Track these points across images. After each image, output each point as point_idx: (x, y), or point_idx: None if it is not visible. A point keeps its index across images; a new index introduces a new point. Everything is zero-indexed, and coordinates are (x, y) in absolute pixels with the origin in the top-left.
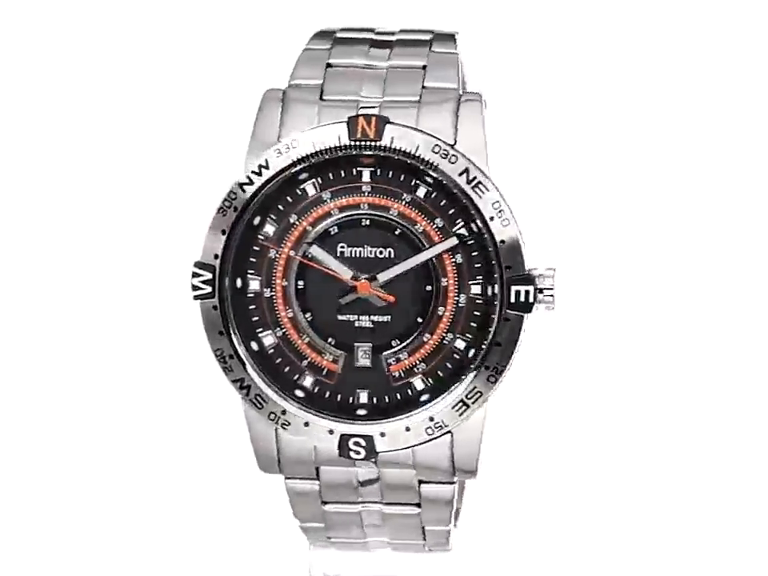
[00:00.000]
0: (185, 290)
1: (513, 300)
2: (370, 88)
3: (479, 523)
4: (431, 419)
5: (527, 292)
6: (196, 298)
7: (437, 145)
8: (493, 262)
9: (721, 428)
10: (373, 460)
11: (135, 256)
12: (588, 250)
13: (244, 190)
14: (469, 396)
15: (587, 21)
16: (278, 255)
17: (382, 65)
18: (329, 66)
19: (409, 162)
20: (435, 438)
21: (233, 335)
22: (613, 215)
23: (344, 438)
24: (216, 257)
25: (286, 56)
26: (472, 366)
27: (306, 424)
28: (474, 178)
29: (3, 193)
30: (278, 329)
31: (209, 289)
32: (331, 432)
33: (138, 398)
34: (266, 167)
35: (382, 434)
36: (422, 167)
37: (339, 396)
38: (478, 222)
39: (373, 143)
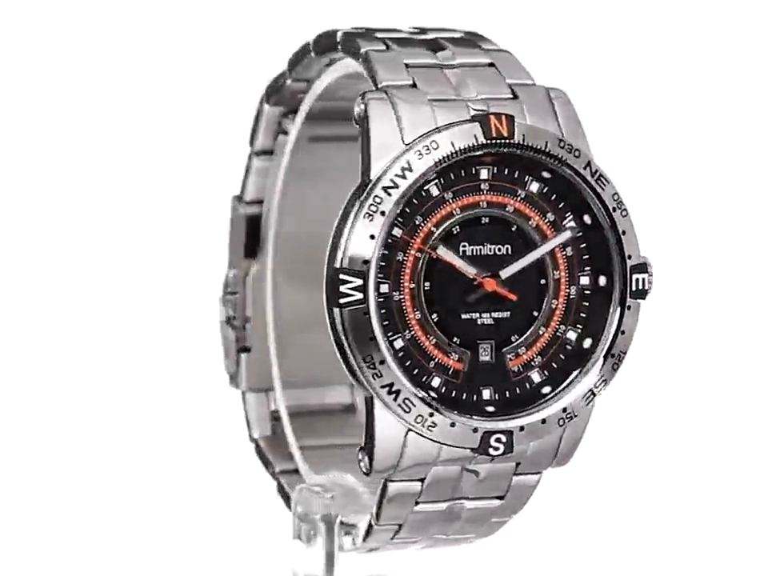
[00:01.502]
0: None
1: (634, 288)
2: (465, 86)
3: None
4: (564, 410)
5: (644, 280)
6: (345, 305)
7: (560, 140)
8: (606, 253)
9: None
10: (509, 455)
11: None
12: None
13: (390, 194)
14: (596, 385)
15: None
16: (405, 258)
17: (454, 63)
18: (407, 66)
19: (533, 157)
20: (564, 428)
21: (381, 340)
22: None
23: (486, 436)
24: (365, 262)
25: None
26: (595, 355)
27: (453, 424)
28: (596, 170)
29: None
30: (407, 331)
31: (360, 295)
32: (475, 430)
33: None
34: (410, 169)
35: (521, 429)
36: (549, 163)
37: (464, 395)
38: (597, 213)
39: (507, 141)
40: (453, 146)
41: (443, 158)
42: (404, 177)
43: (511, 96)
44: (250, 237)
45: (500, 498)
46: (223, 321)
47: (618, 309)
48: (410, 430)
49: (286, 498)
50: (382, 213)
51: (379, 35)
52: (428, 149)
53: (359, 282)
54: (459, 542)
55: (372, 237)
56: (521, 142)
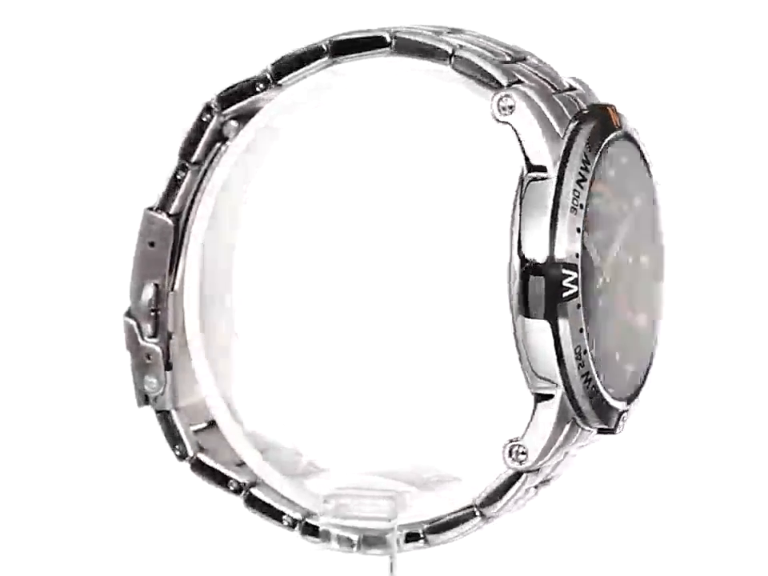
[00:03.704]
0: None
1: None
2: (551, 81)
3: None
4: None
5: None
6: (566, 299)
7: (635, 128)
8: (652, 231)
9: None
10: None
11: None
12: None
13: (582, 187)
14: (662, 358)
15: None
16: None
17: (519, 57)
18: (502, 63)
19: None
20: None
21: (586, 331)
22: None
23: (621, 415)
24: (577, 255)
25: None
26: (656, 330)
27: (609, 407)
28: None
29: None
30: None
31: (576, 288)
32: (618, 411)
33: None
34: (588, 162)
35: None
36: (632, 147)
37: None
38: (648, 194)
39: (620, 131)
40: (601, 137)
41: (604, 147)
42: (587, 169)
43: (569, 87)
44: (174, 250)
45: (546, 481)
46: (141, 339)
47: (664, 283)
48: (574, 419)
49: (262, 509)
50: (581, 206)
51: (432, 34)
52: (592, 140)
53: (576, 274)
54: None
55: (578, 230)
56: (628, 132)
